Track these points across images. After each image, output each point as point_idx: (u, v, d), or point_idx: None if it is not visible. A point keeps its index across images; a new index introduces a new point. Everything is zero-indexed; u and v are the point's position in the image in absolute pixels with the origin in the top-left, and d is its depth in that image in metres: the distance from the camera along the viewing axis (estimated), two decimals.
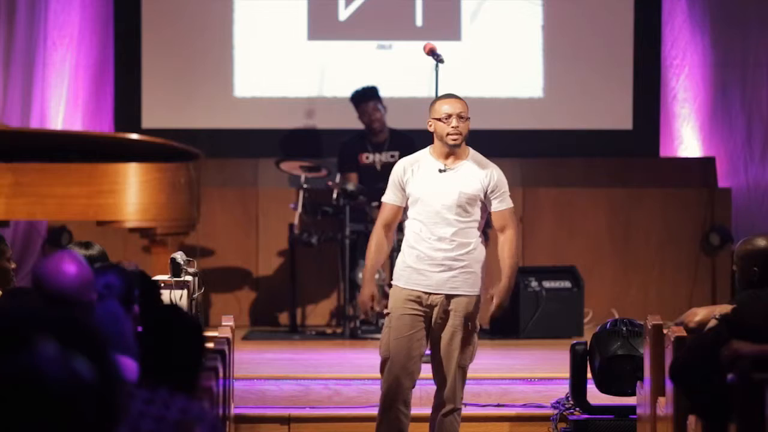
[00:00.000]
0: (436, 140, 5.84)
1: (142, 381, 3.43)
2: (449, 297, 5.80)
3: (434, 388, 5.97)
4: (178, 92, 10.44)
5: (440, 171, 5.79)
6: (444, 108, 5.78)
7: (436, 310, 5.78)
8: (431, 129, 5.84)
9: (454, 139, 5.76)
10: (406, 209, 5.91)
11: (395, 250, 6.37)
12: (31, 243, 9.92)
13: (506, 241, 5.89)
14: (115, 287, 4.21)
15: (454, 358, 5.81)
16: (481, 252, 5.88)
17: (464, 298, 5.82)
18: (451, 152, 5.81)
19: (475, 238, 5.84)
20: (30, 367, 1.84)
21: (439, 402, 5.89)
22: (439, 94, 6.60)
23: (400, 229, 6.06)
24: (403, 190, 5.83)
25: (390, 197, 5.87)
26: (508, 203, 5.89)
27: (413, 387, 5.89)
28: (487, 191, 5.82)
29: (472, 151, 5.89)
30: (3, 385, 1.82)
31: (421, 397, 6.38)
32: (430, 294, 5.78)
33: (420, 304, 5.77)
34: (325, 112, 10.43)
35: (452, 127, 5.74)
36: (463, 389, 5.93)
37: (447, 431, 5.90)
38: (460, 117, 5.76)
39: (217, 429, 3.40)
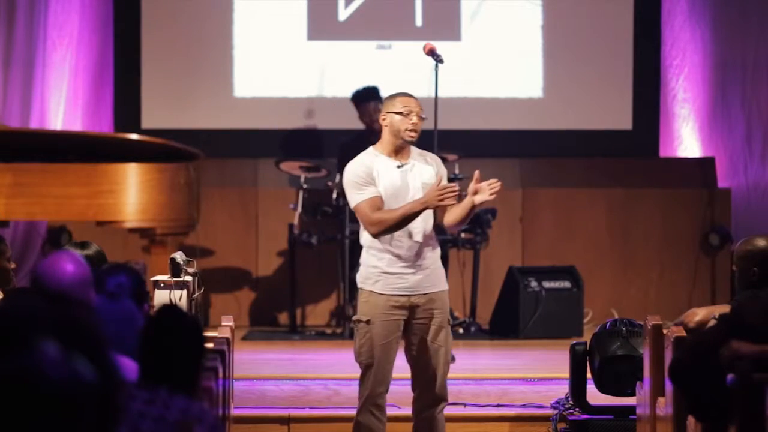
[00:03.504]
0: (388, 136, 5.75)
1: (142, 381, 3.43)
2: (427, 296, 5.74)
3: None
4: (178, 92, 10.44)
5: (398, 167, 5.76)
6: (405, 103, 5.75)
7: (417, 311, 5.73)
8: (385, 123, 5.75)
9: (412, 136, 5.72)
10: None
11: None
12: (31, 243, 9.93)
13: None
14: (126, 286, 4.23)
15: (441, 355, 5.78)
16: (439, 246, 5.86)
17: (441, 294, 5.79)
18: (401, 148, 5.77)
19: (435, 234, 5.80)
20: (31, 367, 1.84)
21: (428, 402, 5.82)
22: (439, 94, 6.61)
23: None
24: (375, 185, 5.72)
25: (369, 192, 5.70)
26: None
27: (387, 392, 5.88)
28: (436, 175, 5.78)
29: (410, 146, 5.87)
30: (3, 385, 1.83)
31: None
32: (409, 296, 5.72)
33: (399, 308, 5.72)
34: (325, 112, 10.43)
35: (412, 123, 5.71)
36: None
37: (441, 429, 5.88)
38: (418, 115, 5.75)
39: (217, 429, 3.40)
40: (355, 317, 5.83)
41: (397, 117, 5.73)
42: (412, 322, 5.74)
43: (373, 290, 5.73)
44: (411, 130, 5.71)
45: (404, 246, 5.70)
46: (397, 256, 5.70)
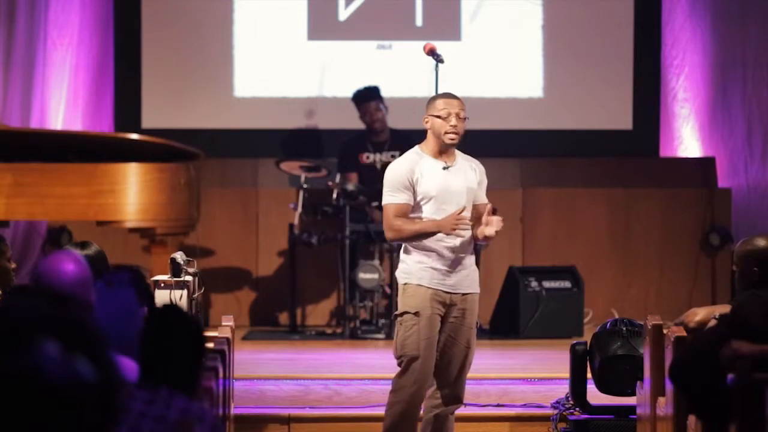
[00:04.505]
0: (431, 137, 5.79)
1: (143, 381, 3.43)
2: (464, 296, 5.80)
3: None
4: (178, 92, 10.44)
5: (444, 168, 5.77)
6: (444, 106, 5.74)
7: (452, 309, 5.76)
8: (427, 126, 5.78)
9: (452, 138, 5.73)
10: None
11: (394, 250, 6.34)
12: (31, 243, 9.92)
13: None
14: (125, 280, 4.20)
15: (468, 356, 5.85)
16: None
17: (475, 296, 5.87)
18: (445, 150, 5.79)
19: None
20: (31, 367, 1.84)
21: (444, 400, 5.85)
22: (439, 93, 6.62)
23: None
24: (412, 190, 5.73)
25: (402, 198, 5.72)
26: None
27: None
28: (478, 183, 5.86)
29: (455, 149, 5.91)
30: (4, 385, 1.82)
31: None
32: (450, 294, 5.76)
33: (441, 304, 5.75)
34: (326, 112, 10.43)
35: (451, 125, 5.71)
36: None
37: (451, 430, 5.93)
38: (458, 116, 5.75)
39: (217, 429, 3.40)
40: (399, 311, 5.79)
41: (438, 120, 5.74)
42: (446, 320, 5.78)
43: (421, 283, 5.73)
44: (449, 133, 5.72)
45: (452, 244, 5.72)
46: (444, 254, 5.72)
